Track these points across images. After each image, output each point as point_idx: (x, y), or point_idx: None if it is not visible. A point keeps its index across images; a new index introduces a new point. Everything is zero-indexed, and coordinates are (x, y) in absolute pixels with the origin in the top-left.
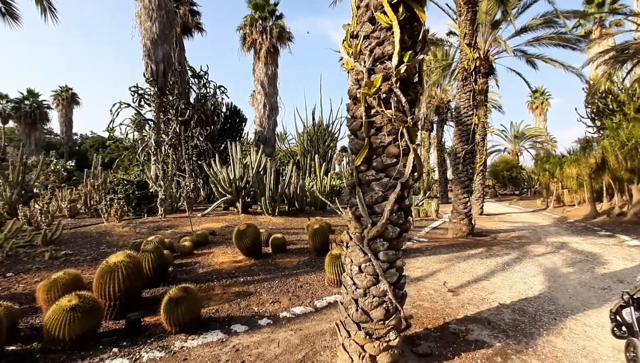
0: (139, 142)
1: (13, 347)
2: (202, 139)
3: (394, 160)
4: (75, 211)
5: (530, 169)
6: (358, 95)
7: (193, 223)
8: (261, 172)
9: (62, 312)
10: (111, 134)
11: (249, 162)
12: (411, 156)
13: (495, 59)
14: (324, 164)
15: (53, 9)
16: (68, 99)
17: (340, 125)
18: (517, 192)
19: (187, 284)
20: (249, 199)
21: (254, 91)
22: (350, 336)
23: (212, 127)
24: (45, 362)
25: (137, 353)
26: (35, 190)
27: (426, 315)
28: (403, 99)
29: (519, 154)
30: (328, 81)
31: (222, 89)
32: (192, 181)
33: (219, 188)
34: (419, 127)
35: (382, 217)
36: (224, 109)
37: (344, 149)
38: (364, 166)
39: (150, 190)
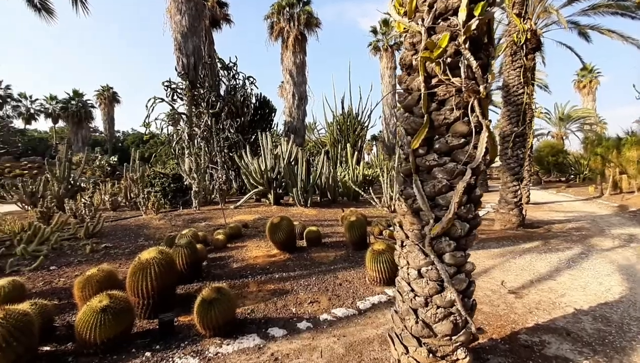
0: (174, 135)
1: (47, 348)
2: (232, 131)
3: (462, 140)
4: (117, 204)
5: (578, 153)
6: (414, 63)
7: (226, 215)
8: (292, 163)
9: (93, 314)
10: (148, 129)
11: (279, 153)
12: (484, 135)
13: (543, 32)
14: (356, 153)
15: (84, 1)
16: (109, 98)
17: (370, 112)
18: (563, 179)
19: (221, 281)
20: (280, 190)
21: (283, 82)
22: (408, 352)
23: (242, 118)
24: None
25: (170, 360)
26: (82, 185)
27: (488, 322)
28: (474, 63)
29: (564, 137)
30: (357, 69)
31: (251, 79)
32: (224, 173)
33: (251, 180)
34: (491, 98)
35: (449, 211)
36: (253, 100)
37: (374, 138)
38: (423, 149)
39: (185, 183)
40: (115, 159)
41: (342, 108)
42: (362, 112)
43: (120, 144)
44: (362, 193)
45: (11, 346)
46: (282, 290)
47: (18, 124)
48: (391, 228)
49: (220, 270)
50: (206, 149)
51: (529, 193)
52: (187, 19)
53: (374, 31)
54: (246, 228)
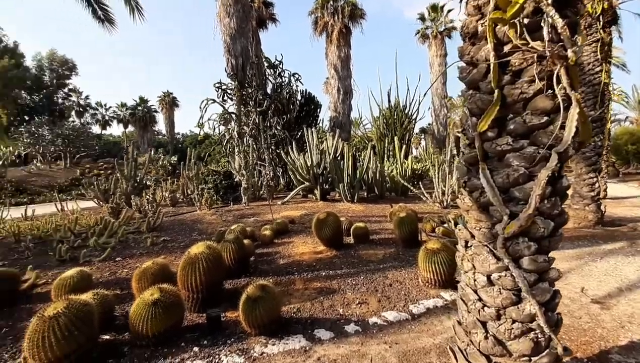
0: (224, 135)
1: (107, 336)
2: (279, 128)
3: (544, 119)
4: (176, 200)
5: None
6: (480, 29)
7: (273, 211)
8: (338, 158)
9: (145, 307)
10: (201, 130)
11: (325, 148)
12: (574, 111)
13: (619, 3)
14: (404, 146)
15: (140, 8)
16: (170, 103)
17: (419, 104)
18: None
19: (268, 277)
20: (326, 186)
21: (327, 78)
22: None
23: (289, 115)
24: (131, 357)
25: (217, 356)
26: (147, 183)
27: (570, 338)
28: (560, 22)
29: None
30: (403, 60)
31: (297, 76)
32: (271, 170)
33: (297, 176)
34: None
35: (528, 206)
36: (298, 97)
37: (423, 131)
38: (493, 132)
39: (235, 180)
40: (175, 159)
41: (389, 101)
42: (410, 104)
43: (179, 145)
44: (412, 188)
45: (73, 335)
46: (328, 289)
47: (95, 129)
48: (445, 225)
49: (267, 265)
50: (254, 146)
51: (606, 187)
52: (235, 21)
53: (422, 18)
54: (293, 224)
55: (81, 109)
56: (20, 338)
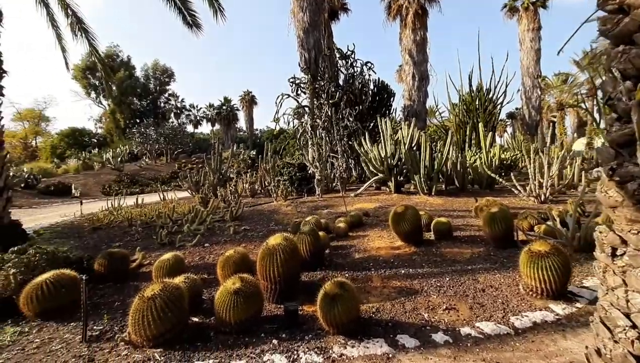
0: (298, 128)
1: (196, 319)
2: (351, 119)
3: None
4: (254, 191)
5: None
6: None
7: (346, 203)
8: (414, 148)
9: (227, 295)
10: (277, 124)
11: (400, 138)
12: None
13: None
14: (489, 134)
15: (222, 9)
16: (249, 101)
17: (506, 86)
18: None
19: (343, 272)
20: (401, 178)
21: (401, 65)
22: None
23: (361, 106)
24: (216, 343)
25: (295, 352)
26: (230, 175)
27: None
28: None
29: None
30: (485, 40)
31: (369, 65)
32: (344, 161)
33: (370, 168)
34: None
35: None
36: (371, 86)
37: (510, 116)
38: None
39: (309, 172)
40: (254, 153)
41: (470, 85)
42: (495, 87)
43: (258, 140)
44: (500, 179)
45: (167, 315)
46: (409, 289)
47: (189, 128)
48: (549, 222)
49: (341, 259)
50: (327, 138)
51: None
52: (308, 15)
53: None
54: (367, 216)
55: (178, 111)
56: (128, 313)
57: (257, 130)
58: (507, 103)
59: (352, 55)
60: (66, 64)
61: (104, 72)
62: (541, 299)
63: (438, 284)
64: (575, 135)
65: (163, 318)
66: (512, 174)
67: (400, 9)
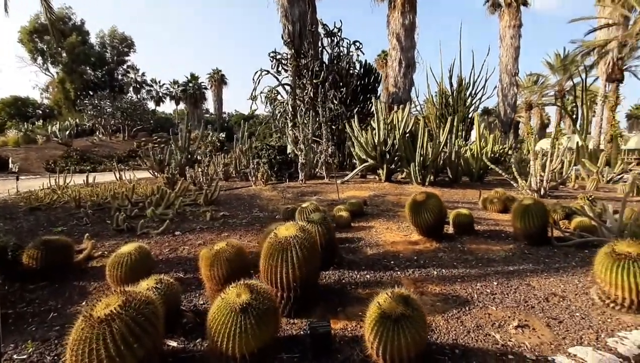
0: (277, 109)
1: (174, 343)
2: (336, 102)
3: None
4: (228, 174)
5: None
6: None
7: (333, 190)
8: (407, 135)
9: (230, 314)
10: (254, 102)
11: (395, 122)
12: None
13: None
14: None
15: None
16: (218, 80)
17: (486, 81)
18: None
19: (361, 273)
20: (393, 166)
21: (383, 51)
22: None
23: (347, 88)
24: None
25: None
26: (198, 157)
27: None
28: None
29: None
30: (466, 35)
31: (357, 44)
32: (331, 145)
33: (362, 154)
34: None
35: None
36: (357, 67)
37: (486, 112)
38: None
39: (290, 156)
40: (224, 136)
41: (450, 78)
42: (474, 82)
43: (226, 124)
44: (501, 171)
45: (132, 349)
46: (455, 297)
47: (150, 105)
48: (582, 218)
49: (352, 255)
50: (313, 119)
51: None
52: None
53: None
54: (366, 205)
55: (138, 86)
56: (66, 332)
57: (224, 113)
58: (488, 98)
59: (339, 33)
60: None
61: (52, 33)
62: (628, 313)
63: (487, 290)
64: (536, 136)
65: (125, 354)
66: (513, 166)
67: None
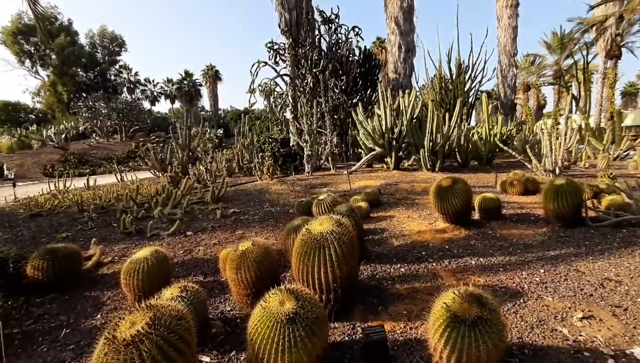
0: (276, 101)
1: (206, 359)
2: (337, 91)
3: None
4: (232, 170)
5: None
6: None
7: (342, 181)
8: (414, 121)
9: (276, 327)
10: (252, 95)
11: (402, 107)
12: None
13: None
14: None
15: None
16: (213, 76)
17: (485, 63)
18: None
19: (393, 266)
20: (402, 153)
21: (379, 38)
22: None
23: (347, 76)
24: None
25: None
26: (198, 155)
27: None
28: None
29: None
30: (463, 18)
31: (357, 30)
32: (336, 136)
33: (369, 142)
34: None
35: None
36: (357, 53)
37: (488, 95)
38: None
39: (293, 148)
40: (221, 132)
41: (448, 61)
42: (473, 65)
43: (222, 120)
44: (514, 153)
45: None
46: (504, 289)
47: (145, 105)
48: (613, 196)
49: (378, 247)
50: (317, 109)
51: None
52: None
53: None
54: (381, 195)
55: (132, 85)
56: (84, 352)
57: (220, 109)
58: (487, 80)
59: (337, 20)
60: None
61: (40, 28)
62: None
63: (536, 279)
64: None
65: None
66: (527, 147)
67: None
